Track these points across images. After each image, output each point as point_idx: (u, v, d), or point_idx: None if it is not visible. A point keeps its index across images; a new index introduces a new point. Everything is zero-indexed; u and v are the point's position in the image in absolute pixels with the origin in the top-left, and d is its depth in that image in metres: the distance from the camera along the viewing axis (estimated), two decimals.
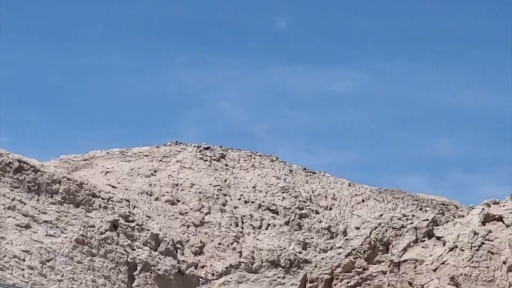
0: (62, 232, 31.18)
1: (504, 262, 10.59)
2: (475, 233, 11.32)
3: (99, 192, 34.48)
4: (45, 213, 30.75)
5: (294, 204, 40.19)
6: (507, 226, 11.42)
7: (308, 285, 11.51)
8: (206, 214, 38.40)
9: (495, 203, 12.31)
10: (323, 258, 11.79)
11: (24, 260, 29.49)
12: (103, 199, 34.51)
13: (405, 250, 11.36)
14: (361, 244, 11.60)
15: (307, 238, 39.50)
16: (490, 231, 11.36)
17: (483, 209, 12.20)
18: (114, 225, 34.22)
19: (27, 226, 30.45)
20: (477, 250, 10.99)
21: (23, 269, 28.82)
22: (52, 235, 30.83)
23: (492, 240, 11.22)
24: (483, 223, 11.68)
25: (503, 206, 12.19)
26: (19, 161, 32.44)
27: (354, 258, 11.53)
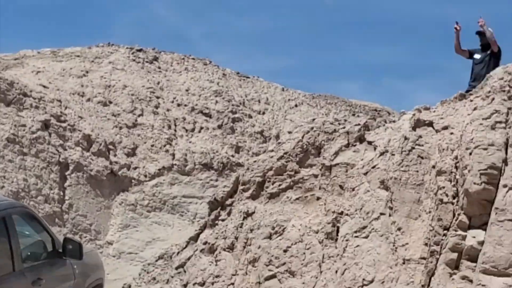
0: None
1: (434, 167, 10.76)
2: (406, 138, 11.47)
3: (30, 91, 34.35)
4: None
5: (227, 108, 40.27)
6: (437, 131, 11.55)
7: (240, 187, 11.57)
8: (139, 116, 38.46)
9: (426, 108, 12.43)
10: (255, 161, 11.86)
11: None
12: (34, 98, 34.39)
13: (336, 154, 11.45)
14: (293, 148, 11.65)
15: (240, 142, 39.76)
16: (420, 136, 11.51)
17: (414, 114, 12.31)
18: (46, 125, 34.18)
19: None
20: (407, 154, 11.15)
21: None
22: None
23: (422, 145, 11.37)
24: (414, 128, 11.82)
25: (434, 112, 12.31)
26: None
27: (286, 162, 11.59)
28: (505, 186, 9.80)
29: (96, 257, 15.20)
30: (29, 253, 12.37)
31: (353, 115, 38.54)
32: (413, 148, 11.29)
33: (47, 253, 12.84)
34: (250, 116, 40.88)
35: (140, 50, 43.26)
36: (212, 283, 11.00)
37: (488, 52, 16.59)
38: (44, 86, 37.48)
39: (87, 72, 40.04)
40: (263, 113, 41.91)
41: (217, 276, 10.96)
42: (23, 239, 12.29)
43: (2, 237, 11.65)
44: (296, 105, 43.18)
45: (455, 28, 16.94)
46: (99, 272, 14.34)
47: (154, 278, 12.00)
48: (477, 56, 16.69)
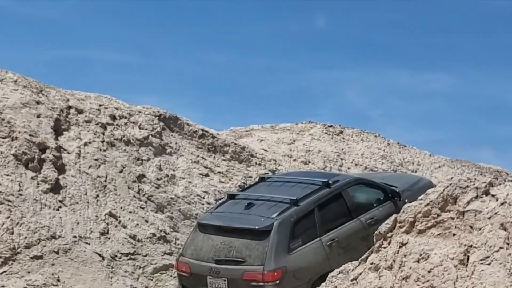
0: (229, 180, 31.25)
1: None
2: None
3: (256, 153, 34.33)
4: (218, 167, 30.84)
5: (390, 167, 39.56)
6: None
7: (398, 224, 11.46)
8: None
9: None
10: (408, 207, 11.63)
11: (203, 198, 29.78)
12: (258, 158, 34.37)
13: (468, 203, 11.06)
14: (436, 197, 11.36)
15: None
16: None
17: None
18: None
19: (207, 175, 30.66)
20: None
21: (202, 204, 29.20)
22: (223, 182, 30.86)
23: None
24: None
25: None
26: (203, 130, 32.77)
27: (431, 207, 11.32)
28: None
29: (421, 181, 16.21)
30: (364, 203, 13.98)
31: (481, 174, 37.40)
32: None
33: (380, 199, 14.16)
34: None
35: (330, 126, 42.82)
36: None
37: None
38: (265, 150, 37.41)
39: (294, 141, 39.88)
40: (415, 172, 41.00)
41: (379, 287, 10.84)
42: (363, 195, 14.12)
43: (341, 198, 13.56)
44: (439, 166, 42.03)
45: None
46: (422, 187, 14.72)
47: (335, 287, 11.77)
48: None
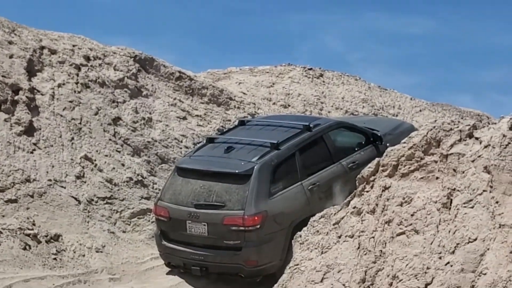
0: (208, 123, 31.11)
1: None
2: (504, 136, 10.95)
3: (234, 96, 34.18)
4: (196, 110, 30.68)
5: (371, 111, 39.51)
6: None
7: (381, 168, 11.50)
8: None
9: None
10: (392, 150, 11.62)
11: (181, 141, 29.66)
12: (237, 101, 34.21)
13: (451, 146, 11.05)
14: (420, 141, 11.37)
15: None
16: None
17: (511, 118, 11.78)
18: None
19: (184, 118, 30.46)
20: (505, 148, 10.66)
21: (180, 148, 29.12)
22: (201, 125, 30.74)
23: None
24: (510, 129, 11.28)
25: None
26: (180, 72, 32.53)
27: (414, 151, 11.33)
28: None
29: (403, 125, 16.20)
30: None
31: (462, 118, 37.18)
32: (509, 143, 10.93)
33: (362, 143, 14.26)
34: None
35: (310, 69, 42.50)
36: (359, 236, 10.94)
37: None
38: (244, 93, 37.21)
39: (273, 84, 39.64)
40: (396, 116, 40.94)
41: (362, 231, 11.00)
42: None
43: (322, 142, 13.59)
44: (420, 110, 41.93)
45: None
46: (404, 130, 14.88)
47: (317, 231, 11.89)
48: None
